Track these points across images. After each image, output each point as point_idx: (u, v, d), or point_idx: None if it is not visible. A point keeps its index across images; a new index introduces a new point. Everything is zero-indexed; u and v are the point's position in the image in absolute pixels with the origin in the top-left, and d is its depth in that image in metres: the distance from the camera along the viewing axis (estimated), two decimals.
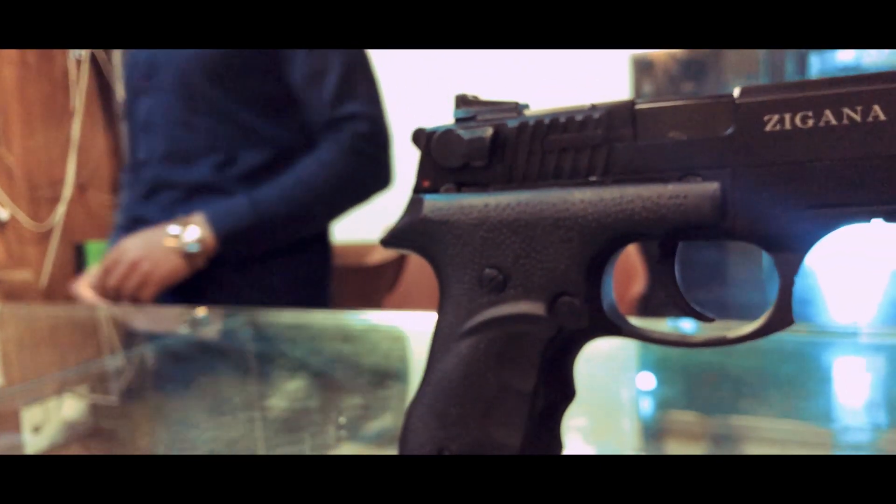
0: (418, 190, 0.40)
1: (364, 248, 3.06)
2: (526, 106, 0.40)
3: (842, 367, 0.86)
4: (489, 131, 0.38)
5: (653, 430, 0.69)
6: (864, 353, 0.89)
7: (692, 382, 0.81)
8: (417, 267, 2.47)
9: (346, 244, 3.37)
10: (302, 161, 1.36)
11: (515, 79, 3.10)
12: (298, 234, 1.43)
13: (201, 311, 1.31)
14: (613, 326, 0.37)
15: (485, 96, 0.41)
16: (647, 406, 0.76)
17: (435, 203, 0.39)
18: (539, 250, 0.37)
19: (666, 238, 0.35)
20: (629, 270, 2.49)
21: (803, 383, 0.80)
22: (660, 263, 0.37)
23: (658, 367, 0.87)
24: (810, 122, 0.32)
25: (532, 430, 0.38)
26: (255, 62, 1.36)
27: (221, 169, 1.38)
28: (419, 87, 3.23)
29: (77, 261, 3.38)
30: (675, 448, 0.62)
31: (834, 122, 0.32)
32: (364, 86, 1.38)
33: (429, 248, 0.40)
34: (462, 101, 0.40)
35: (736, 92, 0.34)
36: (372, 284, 2.38)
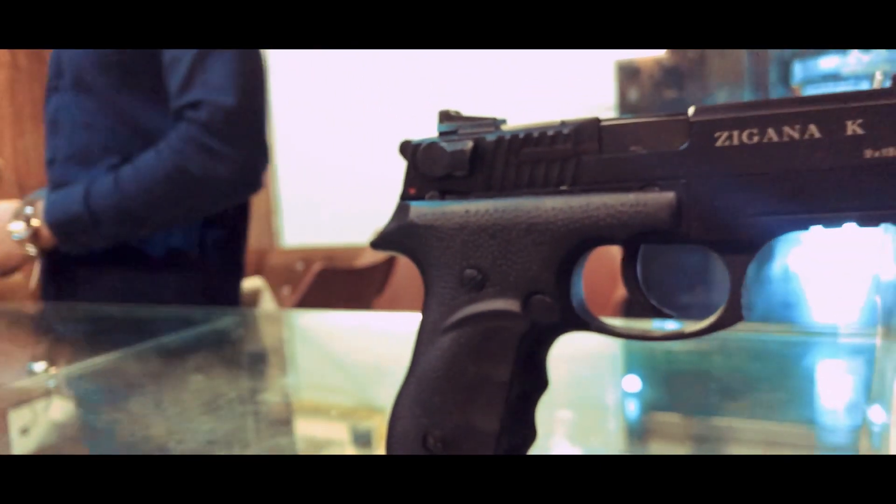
0: (405, 197, 0.44)
1: (354, 252, 3.10)
2: (503, 121, 0.43)
3: (823, 368, 0.90)
4: (469, 144, 0.42)
5: (637, 430, 0.72)
6: (844, 355, 0.93)
7: (676, 384, 0.84)
8: (405, 270, 2.50)
9: (337, 247, 3.41)
10: (145, 152, 1.28)
11: (503, 85, 3.15)
12: (142, 229, 1.32)
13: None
14: (582, 322, 0.41)
15: (466, 112, 0.44)
16: (631, 407, 0.79)
17: (420, 209, 0.43)
18: (514, 252, 0.41)
19: (628, 242, 0.39)
20: (613, 274, 2.53)
21: (784, 384, 0.83)
22: (624, 265, 0.41)
23: (643, 370, 0.91)
24: (755, 139, 0.36)
25: (508, 417, 0.42)
26: (141, 57, 1.30)
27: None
28: (407, 89, 3.27)
29: None
30: (657, 448, 0.66)
31: (776, 138, 0.36)
32: (218, 74, 1.23)
33: (414, 250, 0.44)
34: (445, 116, 0.44)
35: (690, 111, 0.38)
36: (361, 287, 2.42)
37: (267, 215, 3.70)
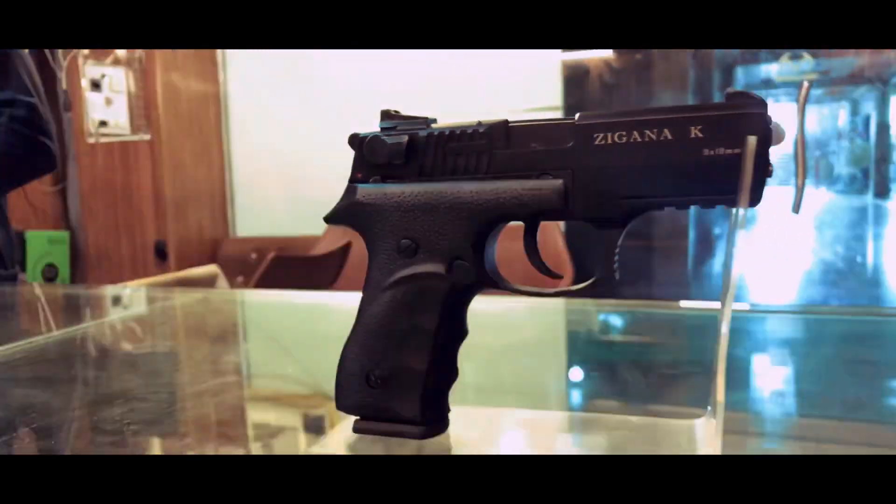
0: (353, 180, 0.54)
1: (307, 242, 3.18)
2: (434, 120, 0.54)
3: (761, 345, 1.00)
4: (405, 139, 0.52)
5: (578, 419, 0.79)
6: (783, 331, 1.04)
7: (619, 373, 0.90)
8: (360, 260, 2.59)
9: (289, 237, 3.48)
10: None
11: (449, 84, 3.24)
12: None
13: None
14: (493, 282, 0.52)
15: (405, 112, 0.55)
16: (575, 396, 0.85)
17: (365, 190, 0.54)
18: (441, 226, 0.51)
19: (529, 218, 0.50)
20: (560, 266, 2.66)
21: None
22: (525, 237, 0.52)
23: (586, 360, 0.99)
24: (624, 139, 0.47)
25: (435, 359, 0.53)
26: None
27: None
28: (357, 87, 3.35)
29: (18, 250, 3.40)
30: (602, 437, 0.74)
31: (639, 139, 0.47)
32: (17, 79, 1.57)
33: (360, 224, 0.54)
34: (386, 115, 0.54)
35: (576, 116, 0.49)
36: (315, 275, 2.50)
37: (221, 205, 3.75)
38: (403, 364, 0.53)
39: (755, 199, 0.45)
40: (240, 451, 0.63)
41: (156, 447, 0.64)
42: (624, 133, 0.47)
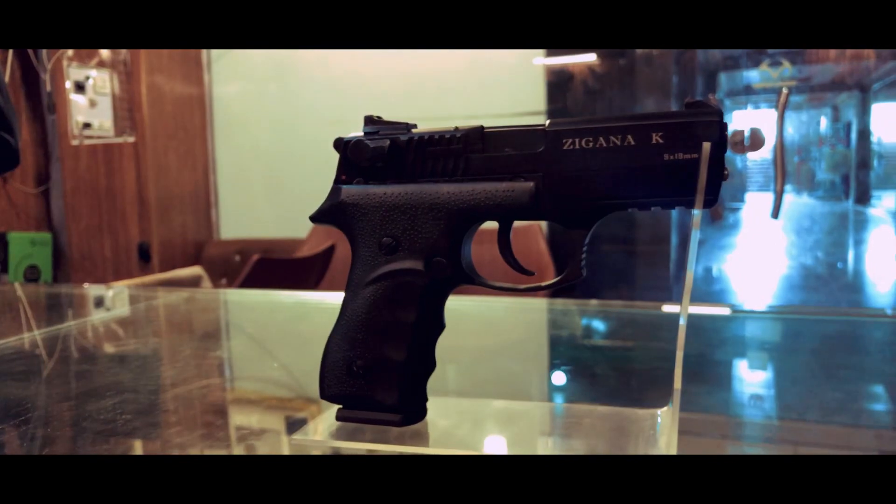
0: (338, 181, 0.58)
1: (290, 245, 3.21)
2: (414, 125, 0.58)
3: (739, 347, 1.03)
4: (387, 143, 0.56)
5: (550, 408, 0.81)
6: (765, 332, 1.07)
7: (599, 377, 0.92)
8: (342, 262, 2.63)
9: (273, 240, 3.50)
10: None
11: (432, 89, 3.27)
12: None
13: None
14: (469, 278, 0.56)
15: (387, 117, 0.58)
16: (552, 391, 0.88)
17: (349, 191, 0.57)
18: (420, 225, 0.55)
19: (502, 218, 0.54)
20: (542, 265, 2.71)
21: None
22: (499, 236, 0.56)
23: (565, 358, 1.02)
24: (591, 144, 0.51)
25: (414, 350, 0.56)
26: None
27: None
28: (342, 90, 3.38)
29: (0, 251, 3.41)
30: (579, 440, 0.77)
31: (605, 145, 0.51)
32: None
33: (344, 222, 0.57)
34: (369, 120, 0.58)
35: (547, 123, 0.53)
36: (299, 277, 2.52)
37: (205, 207, 3.77)
38: (384, 355, 0.56)
39: (711, 200, 0.49)
40: (225, 437, 0.66)
41: (145, 437, 0.67)
42: (591, 139, 0.51)
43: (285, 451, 0.63)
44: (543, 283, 0.55)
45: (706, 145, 0.48)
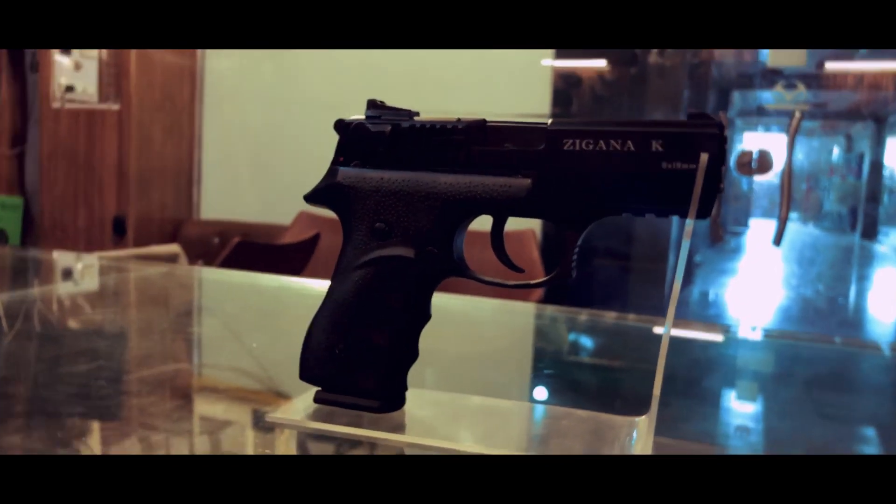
0: (335, 163, 0.61)
1: (273, 231, 3.22)
2: (417, 113, 0.60)
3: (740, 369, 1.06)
4: (388, 128, 0.59)
5: (528, 408, 0.83)
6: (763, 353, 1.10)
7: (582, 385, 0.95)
8: (326, 252, 2.65)
9: (256, 224, 3.52)
10: None
11: (434, 85, 3.30)
12: None
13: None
14: (459, 270, 0.58)
15: (390, 103, 0.61)
16: (532, 391, 0.90)
17: (346, 173, 0.60)
18: (414, 213, 0.58)
19: (497, 213, 0.57)
20: (533, 272, 2.73)
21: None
22: (493, 232, 0.59)
23: (550, 368, 1.04)
24: (591, 147, 0.54)
25: (397, 337, 0.59)
26: None
27: None
28: (341, 77, 3.40)
29: None
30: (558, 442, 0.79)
31: (605, 148, 0.54)
32: None
33: (338, 204, 0.60)
34: (372, 104, 0.60)
35: (549, 122, 0.55)
36: (280, 265, 2.54)
37: (187, 185, 3.78)
38: (368, 340, 0.59)
39: (705, 212, 0.52)
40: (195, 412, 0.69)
41: (121, 402, 0.69)
42: (591, 141, 0.54)
43: (255, 432, 0.65)
44: (533, 281, 0.58)
45: (703, 156, 0.51)
